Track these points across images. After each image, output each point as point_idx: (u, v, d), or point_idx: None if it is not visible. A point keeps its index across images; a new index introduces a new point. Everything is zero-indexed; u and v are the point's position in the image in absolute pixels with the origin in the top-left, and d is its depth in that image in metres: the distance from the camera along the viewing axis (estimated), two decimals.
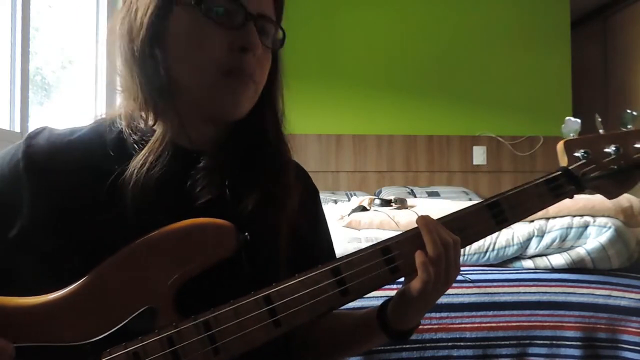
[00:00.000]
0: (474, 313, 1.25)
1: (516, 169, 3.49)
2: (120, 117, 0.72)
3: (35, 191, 0.67)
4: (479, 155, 3.50)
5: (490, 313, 1.26)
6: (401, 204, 1.68)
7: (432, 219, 0.69)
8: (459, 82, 3.51)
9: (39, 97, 2.18)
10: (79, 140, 0.72)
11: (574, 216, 1.35)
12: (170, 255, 0.63)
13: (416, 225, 0.70)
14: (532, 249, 1.36)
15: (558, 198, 0.75)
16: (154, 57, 0.68)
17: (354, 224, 1.51)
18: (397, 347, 1.21)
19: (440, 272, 0.67)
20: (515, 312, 1.26)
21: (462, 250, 1.36)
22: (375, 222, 1.50)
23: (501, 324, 1.25)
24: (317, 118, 3.43)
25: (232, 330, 0.60)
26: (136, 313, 0.61)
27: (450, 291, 1.27)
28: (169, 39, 0.69)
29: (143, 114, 0.71)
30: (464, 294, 1.27)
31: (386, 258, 0.68)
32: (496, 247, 1.37)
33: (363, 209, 1.65)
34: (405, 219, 1.46)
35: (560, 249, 1.35)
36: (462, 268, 1.34)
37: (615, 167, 0.75)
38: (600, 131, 0.78)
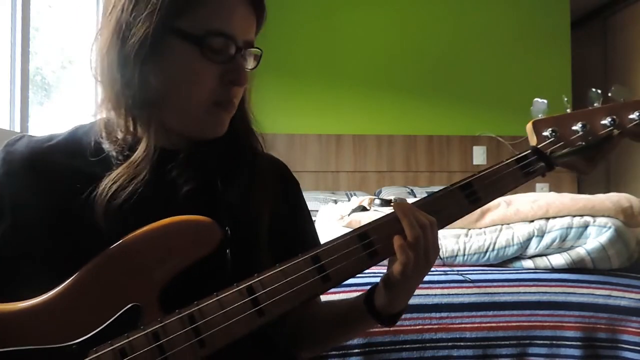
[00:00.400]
0: (474, 313, 1.25)
1: None
2: (99, 125, 0.73)
3: (16, 196, 0.68)
4: (479, 155, 3.50)
5: (490, 313, 1.26)
6: None
7: (408, 203, 0.71)
8: (459, 82, 3.51)
9: (39, 97, 2.18)
10: (58, 145, 0.73)
11: (574, 216, 1.35)
12: (153, 253, 0.64)
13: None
14: (532, 249, 1.36)
15: (529, 176, 0.77)
16: (141, 75, 0.69)
17: (354, 224, 1.51)
18: (397, 347, 1.21)
19: (419, 254, 0.68)
20: (515, 312, 1.26)
21: (462, 250, 1.37)
22: None
23: (501, 324, 1.25)
24: (317, 118, 3.43)
25: (216, 322, 0.61)
26: (121, 311, 0.61)
27: (450, 291, 1.28)
28: (160, 63, 0.69)
29: (122, 124, 0.72)
30: (464, 294, 1.27)
31: (364, 243, 0.69)
32: (496, 247, 1.37)
33: (363, 209, 1.65)
34: None
35: (560, 249, 1.35)
36: (462, 268, 1.35)
37: (583, 143, 0.78)
38: (568, 110, 0.80)
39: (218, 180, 0.74)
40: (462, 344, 1.23)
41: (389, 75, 3.50)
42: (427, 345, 1.22)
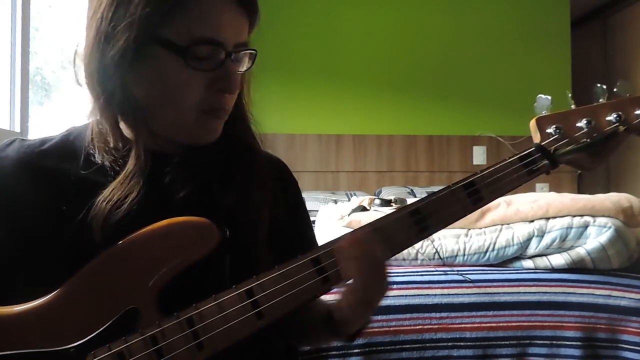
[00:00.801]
0: (474, 313, 1.25)
1: None
2: (91, 129, 0.72)
3: (7, 202, 0.67)
4: (479, 155, 3.50)
5: (490, 313, 1.26)
6: (401, 204, 1.67)
7: (347, 242, 0.66)
8: (459, 82, 3.51)
9: (39, 97, 2.18)
10: (50, 150, 0.72)
11: (574, 216, 1.35)
12: (151, 255, 0.64)
13: None
14: (532, 249, 1.36)
15: (533, 174, 0.76)
16: (123, 85, 0.67)
17: (354, 224, 1.51)
18: (397, 347, 1.21)
19: (362, 296, 0.65)
20: (515, 312, 1.26)
21: (462, 250, 1.37)
22: None
23: (501, 324, 1.25)
24: (317, 118, 3.43)
25: (215, 325, 0.61)
26: (119, 315, 0.61)
27: (450, 291, 1.28)
28: (144, 72, 0.67)
29: (110, 131, 0.70)
30: (464, 294, 1.27)
31: None
32: (496, 247, 1.37)
33: (363, 209, 1.65)
34: None
35: (560, 249, 1.35)
36: (462, 268, 1.35)
37: (588, 140, 0.76)
38: (572, 107, 0.79)
39: (215, 181, 0.73)
40: (462, 344, 1.23)
41: (389, 75, 3.50)
42: (427, 345, 1.22)
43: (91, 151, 0.71)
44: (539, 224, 1.36)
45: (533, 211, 1.39)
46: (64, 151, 0.72)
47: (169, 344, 0.60)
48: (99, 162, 0.69)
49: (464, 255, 1.39)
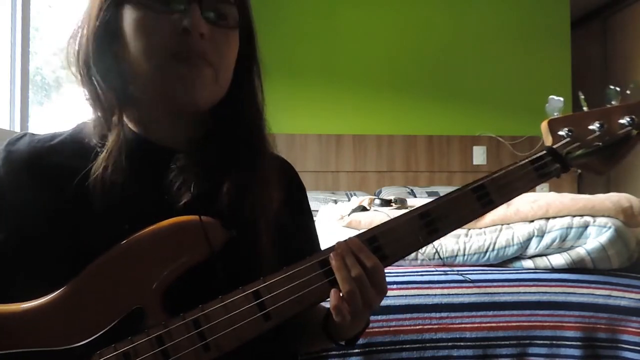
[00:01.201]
0: (474, 313, 1.25)
1: None
2: (93, 124, 0.73)
3: (17, 197, 0.67)
4: (479, 155, 3.50)
5: (490, 313, 1.26)
6: (401, 204, 1.68)
7: (348, 244, 0.66)
8: (459, 82, 3.51)
9: (39, 97, 2.18)
10: (59, 145, 0.72)
11: (574, 216, 1.35)
12: (156, 255, 0.64)
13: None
14: (532, 249, 1.36)
15: (544, 177, 0.74)
16: (108, 55, 0.68)
17: (354, 224, 1.51)
18: (397, 347, 1.21)
19: (357, 306, 0.64)
20: (515, 312, 1.26)
21: (462, 250, 1.37)
22: (375, 222, 1.48)
23: (501, 324, 1.25)
24: (317, 118, 3.43)
25: (222, 326, 0.61)
26: (125, 314, 0.61)
27: (450, 291, 1.28)
28: (121, 36, 0.68)
29: (108, 119, 0.71)
30: (464, 294, 1.27)
31: (373, 247, 0.68)
32: (496, 247, 1.37)
33: (363, 209, 1.65)
34: None
35: (560, 249, 1.35)
36: (462, 268, 1.35)
37: (600, 143, 0.75)
38: (585, 109, 0.77)
39: (221, 180, 0.72)
40: (462, 344, 1.23)
41: (389, 75, 3.50)
42: (427, 345, 1.22)
43: (98, 148, 0.70)
44: (539, 224, 1.36)
45: (533, 211, 1.39)
46: (74, 146, 0.72)
47: (175, 345, 0.59)
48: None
49: (464, 255, 1.39)
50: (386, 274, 0.69)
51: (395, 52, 3.51)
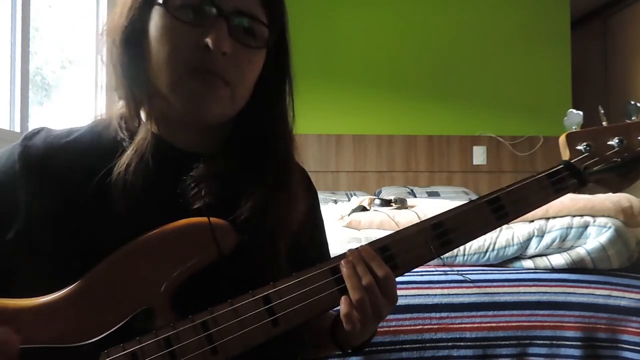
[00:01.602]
0: (474, 313, 1.25)
1: (516, 169, 3.49)
2: (117, 117, 0.72)
3: (32, 193, 0.66)
4: (479, 155, 3.50)
5: (490, 313, 1.26)
6: (401, 204, 1.68)
7: (361, 252, 0.66)
8: (459, 82, 3.51)
9: (39, 97, 2.18)
10: (76, 141, 0.71)
11: (574, 216, 1.35)
12: (167, 255, 0.63)
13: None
14: (532, 249, 1.36)
15: (560, 192, 0.73)
16: (134, 57, 0.68)
17: (354, 224, 1.51)
18: (397, 347, 1.21)
19: (366, 314, 0.64)
20: (515, 312, 1.26)
21: (462, 250, 1.37)
22: (375, 222, 1.50)
23: (501, 324, 1.25)
24: (317, 118, 3.43)
25: (230, 330, 0.60)
26: (133, 314, 0.61)
27: (450, 291, 1.28)
28: (147, 40, 0.68)
29: (132, 114, 0.71)
30: (464, 294, 1.27)
31: (384, 256, 0.67)
32: (496, 247, 1.37)
33: (363, 209, 1.65)
34: (405, 219, 1.46)
35: (560, 249, 1.35)
36: (462, 268, 1.35)
37: (619, 159, 0.73)
38: (604, 123, 0.76)
39: (243, 191, 0.71)
40: (462, 344, 1.23)
41: (389, 75, 3.50)
42: (427, 345, 1.22)
43: (116, 142, 0.70)
44: (539, 224, 1.36)
45: (533, 211, 1.39)
46: (91, 144, 0.71)
47: (183, 347, 0.59)
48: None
49: (464, 255, 1.39)
50: None
51: (395, 52, 3.51)
